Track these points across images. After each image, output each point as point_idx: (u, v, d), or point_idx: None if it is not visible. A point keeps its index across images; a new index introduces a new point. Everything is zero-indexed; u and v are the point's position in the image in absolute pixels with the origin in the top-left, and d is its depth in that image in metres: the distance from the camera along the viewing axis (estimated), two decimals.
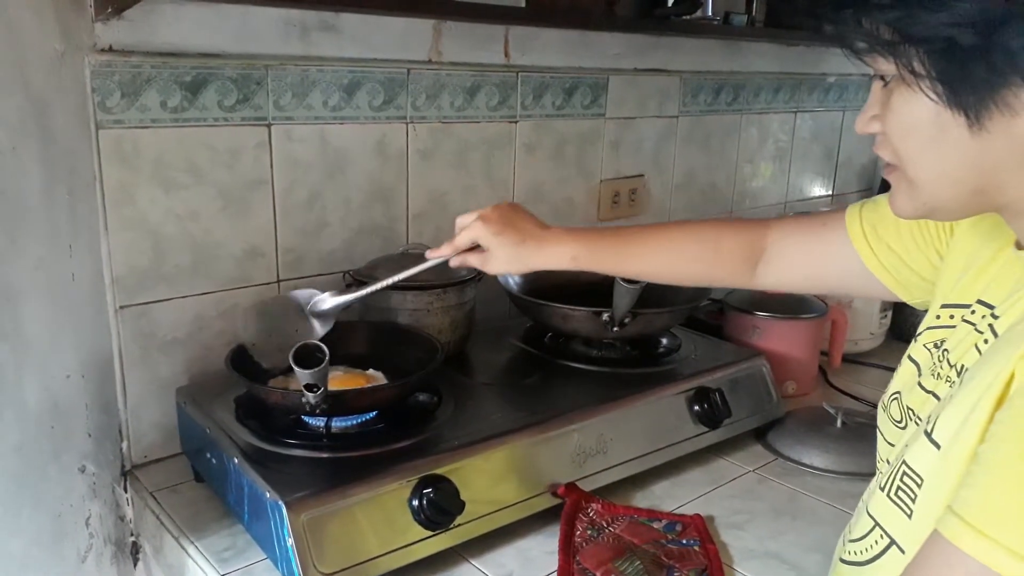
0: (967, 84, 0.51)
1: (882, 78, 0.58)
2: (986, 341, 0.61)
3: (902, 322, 1.66)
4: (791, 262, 0.88)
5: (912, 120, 0.56)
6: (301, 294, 1.02)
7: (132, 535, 1.10)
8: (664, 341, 1.32)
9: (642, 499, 1.06)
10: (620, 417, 1.07)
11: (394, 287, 0.99)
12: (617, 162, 1.60)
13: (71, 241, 0.97)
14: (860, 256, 0.80)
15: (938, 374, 0.66)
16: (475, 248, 0.93)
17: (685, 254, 0.92)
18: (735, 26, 1.58)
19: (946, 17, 0.49)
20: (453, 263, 0.94)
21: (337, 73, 1.18)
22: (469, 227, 0.91)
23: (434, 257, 0.94)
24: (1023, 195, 0.56)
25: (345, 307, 1.00)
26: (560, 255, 0.90)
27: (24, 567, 0.92)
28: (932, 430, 0.60)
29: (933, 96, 0.53)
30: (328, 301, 1.00)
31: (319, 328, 1.00)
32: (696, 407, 1.15)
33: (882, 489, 0.66)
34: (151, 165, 1.05)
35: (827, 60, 1.95)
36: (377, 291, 0.99)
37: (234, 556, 0.92)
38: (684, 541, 0.95)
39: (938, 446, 0.59)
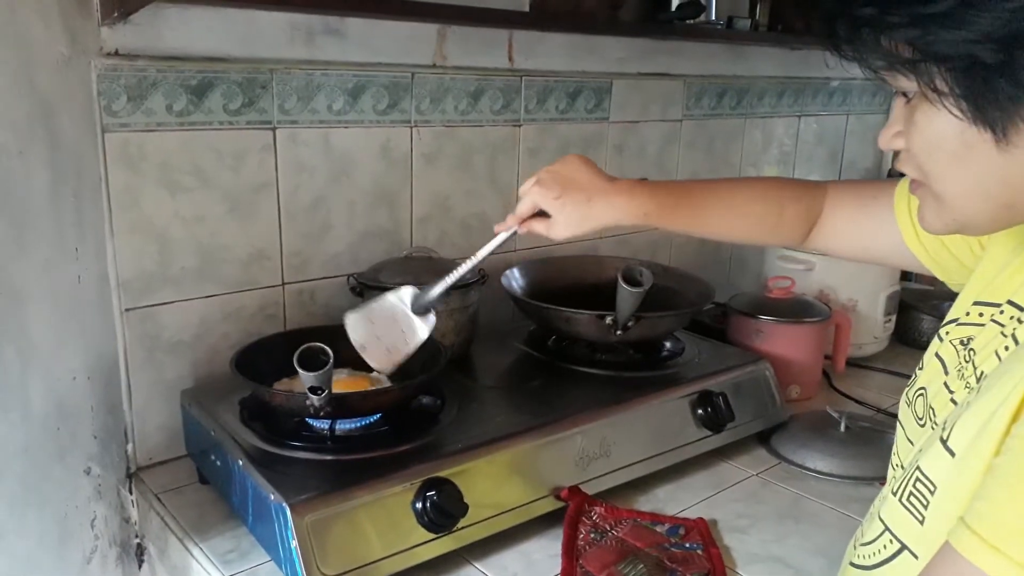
0: (992, 100, 0.50)
1: (904, 94, 0.57)
2: (1007, 348, 0.60)
3: (906, 326, 1.66)
4: (841, 231, 0.89)
5: (936, 137, 0.54)
6: (404, 293, 0.97)
7: (137, 537, 1.11)
8: (667, 345, 1.32)
9: (645, 503, 1.06)
10: (623, 421, 1.08)
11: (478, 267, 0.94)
12: (621, 166, 1.60)
13: (77, 244, 0.97)
14: (902, 234, 0.80)
15: (962, 375, 0.65)
16: (539, 214, 0.89)
17: (752, 216, 0.91)
18: (738, 30, 1.58)
19: (967, 34, 0.48)
20: (520, 232, 0.90)
21: (342, 77, 1.19)
22: (528, 193, 0.87)
23: (501, 230, 0.90)
24: None
25: (444, 296, 0.95)
26: (631, 211, 0.85)
27: (29, 568, 0.92)
28: (948, 437, 0.59)
29: (957, 113, 0.52)
30: (426, 294, 0.95)
31: (424, 327, 0.96)
32: (699, 411, 1.15)
33: (894, 494, 0.65)
34: (157, 168, 1.05)
35: (831, 64, 1.95)
36: (468, 272, 0.94)
37: (238, 558, 0.92)
38: (687, 545, 0.95)
39: (953, 454, 0.58)
